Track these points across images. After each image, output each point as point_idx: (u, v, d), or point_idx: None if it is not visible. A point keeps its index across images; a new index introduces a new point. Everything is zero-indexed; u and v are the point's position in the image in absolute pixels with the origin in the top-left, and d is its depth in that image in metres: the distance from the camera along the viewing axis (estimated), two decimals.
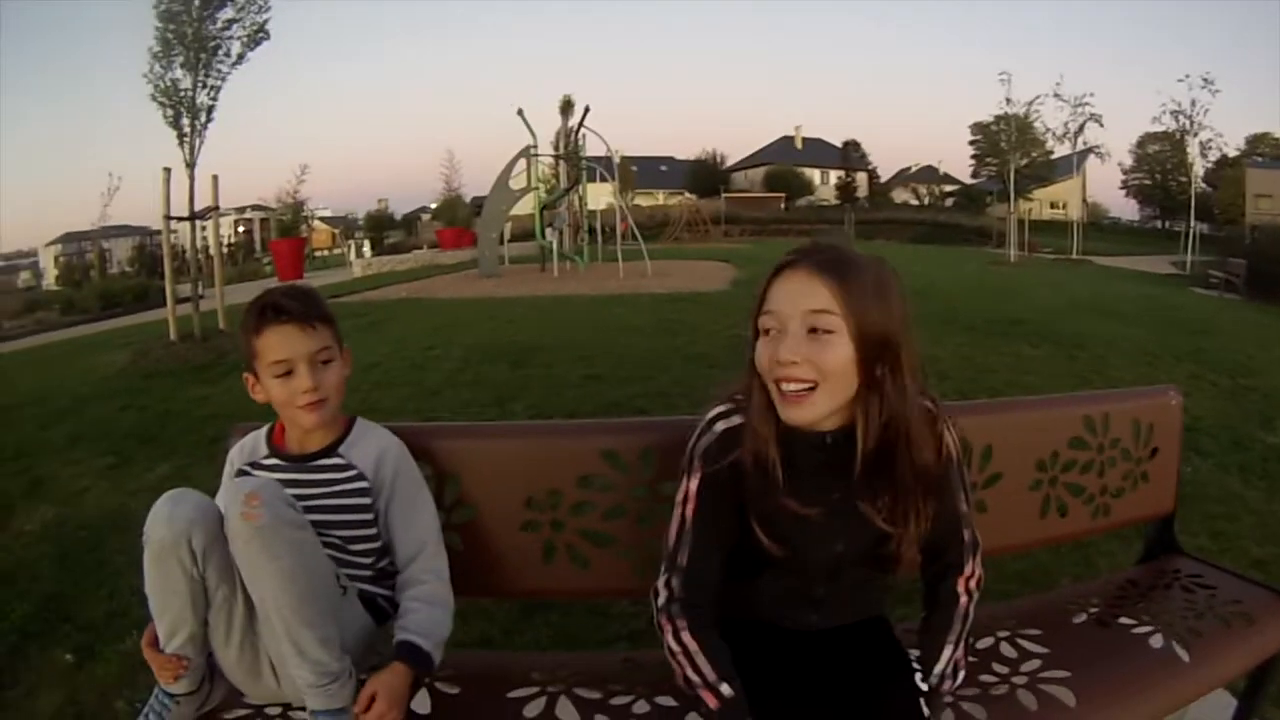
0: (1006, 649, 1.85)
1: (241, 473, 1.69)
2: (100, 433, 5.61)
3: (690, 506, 1.51)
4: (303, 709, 1.48)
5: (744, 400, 1.50)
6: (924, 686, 1.52)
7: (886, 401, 1.42)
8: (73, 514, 4.20)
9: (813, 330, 1.36)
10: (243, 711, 1.58)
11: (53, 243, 49.17)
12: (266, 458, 1.71)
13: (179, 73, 8.33)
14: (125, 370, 7.47)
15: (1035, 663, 1.79)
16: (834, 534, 1.51)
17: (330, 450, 1.70)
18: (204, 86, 8.42)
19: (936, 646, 1.56)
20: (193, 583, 1.41)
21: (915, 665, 1.56)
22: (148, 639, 1.50)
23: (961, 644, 1.58)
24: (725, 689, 1.43)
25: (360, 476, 1.67)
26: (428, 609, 1.63)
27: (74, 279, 28.95)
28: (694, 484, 1.51)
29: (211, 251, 9.77)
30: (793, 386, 1.38)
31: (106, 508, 4.25)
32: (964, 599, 1.58)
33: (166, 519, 1.39)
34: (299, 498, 1.53)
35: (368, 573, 1.69)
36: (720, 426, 1.50)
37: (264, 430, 1.76)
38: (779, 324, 1.39)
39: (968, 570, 1.60)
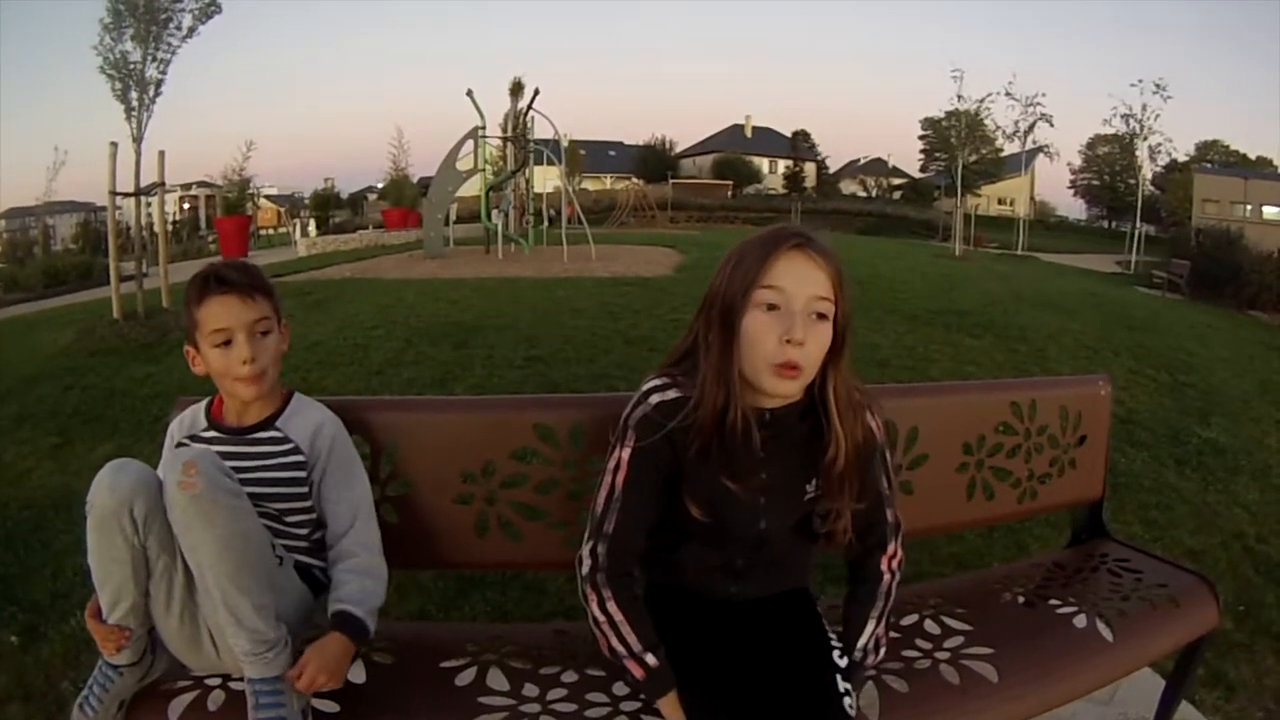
0: (930, 626, 1.90)
1: (181, 446, 1.70)
2: (46, 412, 5.54)
3: (622, 475, 1.53)
4: (242, 680, 1.49)
5: (677, 373, 1.54)
6: (842, 662, 1.56)
7: (841, 382, 1.51)
8: (16, 495, 4.15)
9: (811, 314, 1.43)
10: (184, 683, 1.59)
11: None
12: (205, 430, 1.72)
13: (129, 45, 8.21)
14: (70, 349, 7.34)
15: (958, 639, 1.84)
16: (762, 509, 1.55)
17: (268, 423, 1.72)
18: (153, 59, 8.30)
19: (860, 620, 1.62)
20: (134, 551, 1.41)
21: (834, 642, 1.60)
22: (91, 610, 1.50)
23: (884, 620, 1.63)
24: (650, 659, 1.47)
25: (296, 450, 1.70)
26: (359, 579, 1.64)
27: (17, 256, 28.16)
28: (627, 453, 1.52)
29: (156, 229, 9.58)
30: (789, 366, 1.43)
31: (50, 488, 4.22)
32: (887, 576, 1.64)
33: (109, 487, 1.40)
34: (237, 470, 1.54)
35: (304, 544, 1.71)
36: (655, 399, 1.52)
37: (203, 404, 1.77)
38: (785, 302, 1.43)
39: (890, 549, 1.65)
